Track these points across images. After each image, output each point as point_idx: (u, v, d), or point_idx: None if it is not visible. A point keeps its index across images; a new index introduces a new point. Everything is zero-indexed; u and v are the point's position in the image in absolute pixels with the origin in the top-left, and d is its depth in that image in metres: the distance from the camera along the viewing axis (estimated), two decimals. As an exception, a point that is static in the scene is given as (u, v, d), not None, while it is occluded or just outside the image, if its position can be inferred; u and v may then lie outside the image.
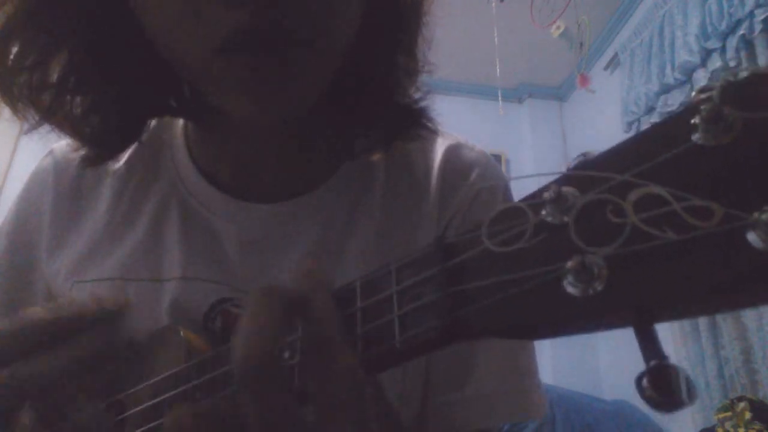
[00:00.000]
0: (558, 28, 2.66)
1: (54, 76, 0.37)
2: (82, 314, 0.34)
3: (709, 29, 1.91)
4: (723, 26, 1.84)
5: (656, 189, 0.16)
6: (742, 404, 1.57)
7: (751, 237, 0.14)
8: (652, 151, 0.17)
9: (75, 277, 0.44)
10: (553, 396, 2.07)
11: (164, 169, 0.47)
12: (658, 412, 0.17)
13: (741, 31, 1.80)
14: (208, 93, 0.35)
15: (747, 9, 1.75)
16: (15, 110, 0.38)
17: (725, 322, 1.81)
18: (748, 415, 1.53)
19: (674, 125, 0.17)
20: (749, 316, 1.72)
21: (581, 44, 2.76)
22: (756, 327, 1.68)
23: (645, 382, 0.16)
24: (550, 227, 0.19)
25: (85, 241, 0.45)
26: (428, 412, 0.42)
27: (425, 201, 0.45)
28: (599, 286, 0.17)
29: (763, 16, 1.72)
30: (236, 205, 0.45)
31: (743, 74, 0.16)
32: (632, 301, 0.16)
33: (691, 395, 0.16)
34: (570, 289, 0.17)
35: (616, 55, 2.57)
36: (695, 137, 0.16)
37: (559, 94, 3.22)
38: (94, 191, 0.48)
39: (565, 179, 0.19)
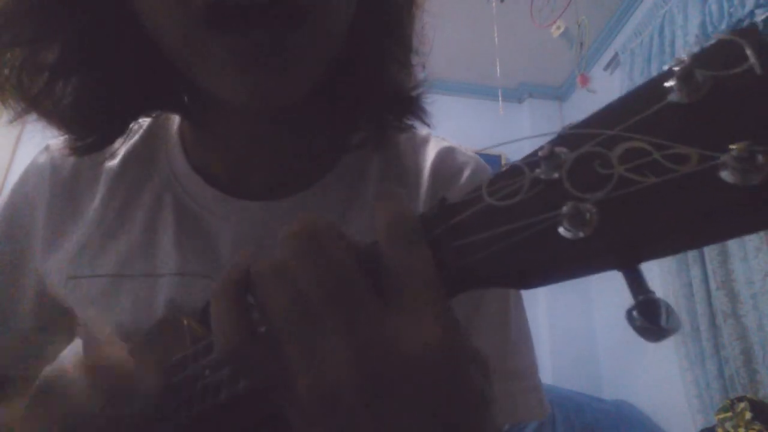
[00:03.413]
0: (558, 28, 2.65)
1: (46, 63, 0.36)
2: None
3: (709, 29, 1.90)
4: (723, 26, 1.84)
5: (638, 140, 0.18)
6: (742, 404, 1.57)
7: (724, 174, 0.16)
8: (633, 111, 0.19)
9: (70, 273, 0.44)
10: (553, 396, 2.07)
11: (159, 167, 0.47)
12: (648, 341, 0.19)
13: (741, 31, 1.80)
14: (196, 74, 0.34)
15: (747, 9, 1.75)
16: (1, 98, 0.37)
17: (725, 322, 1.81)
18: (748, 415, 1.53)
19: (652, 88, 0.19)
20: (749, 316, 1.71)
21: (581, 44, 2.76)
22: (756, 327, 1.68)
23: (635, 313, 0.18)
24: (545, 182, 0.21)
25: (80, 238, 0.45)
26: None
27: (417, 202, 0.46)
28: (591, 229, 0.19)
29: (763, 16, 1.71)
30: (231, 203, 0.45)
31: (711, 41, 0.18)
32: (620, 240, 0.18)
33: (673, 322, 0.18)
34: (565, 234, 0.19)
35: (616, 55, 2.57)
36: (671, 97, 0.18)
37: (559, 94, 3.21)
38: (90, 188, 0.48)
39: (557, 141, 0.21)
